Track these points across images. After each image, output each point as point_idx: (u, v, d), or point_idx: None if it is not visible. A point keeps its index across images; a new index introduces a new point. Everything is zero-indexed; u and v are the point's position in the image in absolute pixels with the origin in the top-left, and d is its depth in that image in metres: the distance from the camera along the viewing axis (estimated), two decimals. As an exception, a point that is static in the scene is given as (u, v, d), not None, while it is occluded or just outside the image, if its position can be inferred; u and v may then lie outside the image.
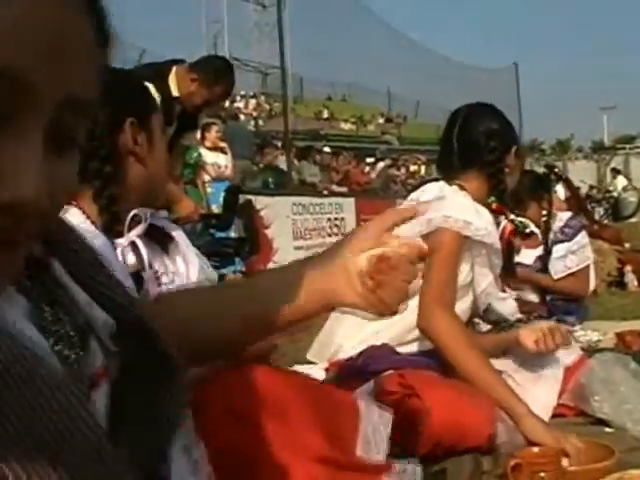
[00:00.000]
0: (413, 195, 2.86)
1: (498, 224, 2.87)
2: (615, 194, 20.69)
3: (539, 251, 4.70)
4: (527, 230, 4.53)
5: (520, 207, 4.56)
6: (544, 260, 4.66)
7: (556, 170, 5.46)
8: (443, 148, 2.96)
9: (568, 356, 3.10)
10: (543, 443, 2.24)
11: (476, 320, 4.02)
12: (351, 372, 2.52)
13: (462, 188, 2.77)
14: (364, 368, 2.51)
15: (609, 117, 46.58)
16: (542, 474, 1.96)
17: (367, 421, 1.61)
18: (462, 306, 2.73)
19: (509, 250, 2.94)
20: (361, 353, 2.58)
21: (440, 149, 3.02)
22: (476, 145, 2.83)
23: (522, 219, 4.54)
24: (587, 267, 4.76)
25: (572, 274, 4.66)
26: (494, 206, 2.85)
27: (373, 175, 19.65)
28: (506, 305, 4.18)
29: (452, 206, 2.65)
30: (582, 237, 4.76)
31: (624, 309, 6.40)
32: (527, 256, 4.67)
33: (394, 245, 1.26)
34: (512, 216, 3.05)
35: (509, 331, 3.46)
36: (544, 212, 4.75)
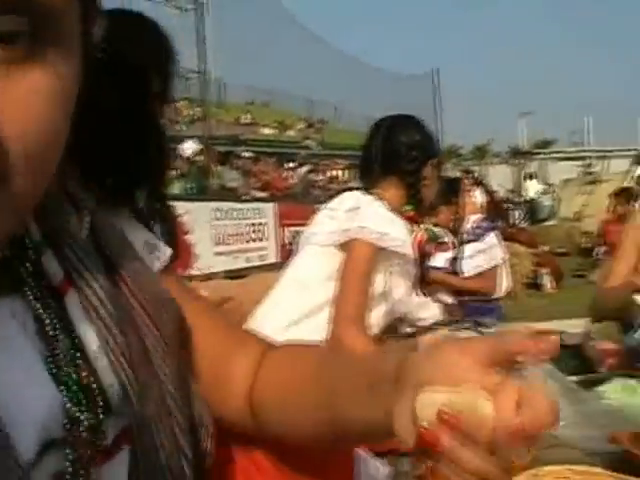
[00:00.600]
0: (330, 204, 2.85)
1: (413, 232, 2.91)
2: (527, 197, 21.18)
3: (450, 254, 4.78)
4: (440, 240, 4.61)
5: (431, 211, 4.65)
6: (455, 261, 4.73)
7: (473, 175, 5.55)
8: (365, 156, 2.99)
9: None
10: None
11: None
12: None
13: (380, 196, 2.79)
14: None
15: (526, 123, 47.53)
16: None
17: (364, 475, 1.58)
18: (377, 315, 2.75)
19: (422, 258, 2.98)
20: None
21: (362, 156, 3.05)
22: (397, 154, 2.87)
23: (436, 228, 4.62)
24: (496, 267, 4.84)
25: (481, 273, 4.74)
26: (410, 214, 2.88)
27: (294, 180, 19.69)
28: (428, 310, 4.25)
29: (368, 217, 2.67)
30: (492, 238, 4.83)
31: (540, 310, 6.57)
32: (439, 259, 4.75)
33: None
34: (427, 225, 3.10)
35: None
36: (454, 216, 4.82)
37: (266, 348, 1.09)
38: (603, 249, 10.74)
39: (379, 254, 2.66)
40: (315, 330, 2.61)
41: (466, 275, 4.70)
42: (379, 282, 2.72)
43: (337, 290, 2.59)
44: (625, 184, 15.76)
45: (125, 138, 1.26)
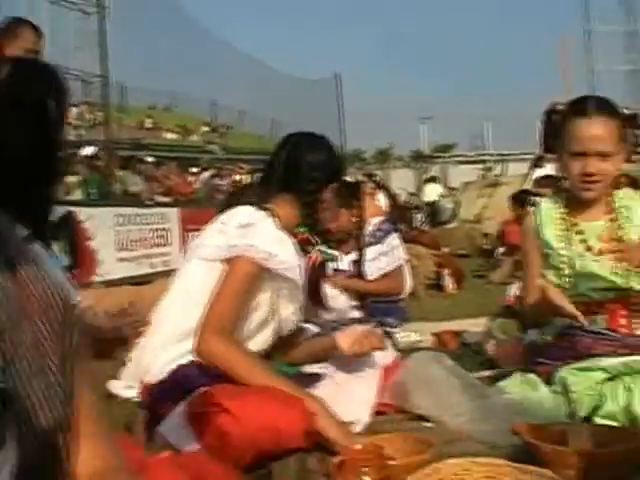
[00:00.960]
0: (222, 217, 2.78)
1: (307, 253, 2.91)
2: (428, 200, 21.54)
3: (353, 256, 4.77)
4: (334, 264, 4.63)
5: (332, 215, 4.68)
6: (359, 264, 4.77)
7: (375, 179, 5.60)
8: (267, 168, 2.96)
9: (385, 357, 3.24)
10: (336, 440, 2.34)
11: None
12: (163, 395, 2.48)
13: (274, 212, 2.75)
14: (175, 389, 2.47)
15: (427, 127, 48.28)
16: (365, 469, 2.03)
17: None
18: (265, 336, 2.75)
19: (315, 280, 2.97)
20: (171, 374, 2.53)
21: (264, 168, 3.02)
22: (299, 172, 2.84)
23: (331, 251, 4.66)
24: (400, 267, 4.92)
25: (385, 275, 4.81)
26: (303, 236, 2.87)
27: (197, 185, 19.57)
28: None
29: (258, 235, 2.63)
30: (393, 239, 4.89)
31: (442, 310, 6.69)
32: (343, 262, 4.79)
33: None
34: (321, 247, 3.10)
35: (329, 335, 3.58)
36: (355, 219, 4.85)
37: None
38: (502, 250, 11.00)
39: (264, 274, 2.63)
40: None
41: (371, 277, 4.76)
42: (265, 302, 2.69)
43: (209, 302, 2.56)
44: (524, 187, 16.18)
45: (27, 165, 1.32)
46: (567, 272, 3.07)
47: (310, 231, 2.89)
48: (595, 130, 3.02)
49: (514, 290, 4.96)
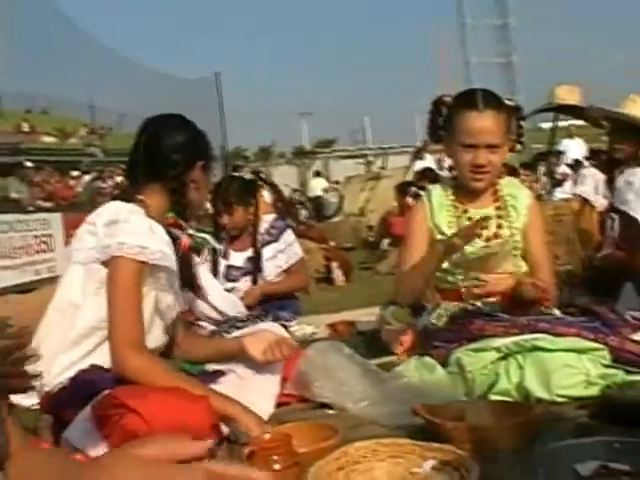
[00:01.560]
0: (89, 217, 2.68)
1: (177, 239, 2.83)
2: (313, 195, 21.67)
3: (249, 253, 4.83)
4: (207, 247, 4.65)
5: (228, 211, 4.71)
6: (255, 261, 4.81)
7: (261, 175, 5.65)
8: (131, 160, 2.83)
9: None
10: (249, 429, 2.41)
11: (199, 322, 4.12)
12: (66, 401, 2.46)
13: (144, 204, 2.68)
14: (78, 394, 2.44)
15: (308, 123, 48.52)
16: (275, 458, 2.07)
17: None
18: (155, 333, 2.72)
19: (187, 265, 2.93)
20: (71, 380, 2.51)
21: (129, 161, 2.87)
22: (160, 158, 2.75)
23: (203, 235, 4.67)
24: (299, 261, 4.99)
25: (285, 271, 4.87)
26: (171, 221, 2.80)
27: (79, 188, 19.19)
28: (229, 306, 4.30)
29: (126, 231, 2.56)
30: (288, 235, 4.97)
31: (333, 303, 6.78)
32: (237, 258, 4.82)
33: None
34: (191, 231, 3.05)
35: (231, 333, 3.60)
36: (251, 216, 4.88)
37: None
38: (387, 241, 11.20)
39: (144, 268, 2.59)
40: (97, 347, 2.57)
41: (272, 277, 4.80)
42: (151, 298, 2.66)
43: (109, 313, 2.52)
44: (407, 179, 16.49)
45: None
46: (456, 257, 3.21)
47: (179, 215, 2.82)
48: (484, 123, 3.16)
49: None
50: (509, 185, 3.42)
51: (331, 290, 8.10)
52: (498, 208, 3.34)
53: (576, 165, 12.27)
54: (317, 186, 22.47)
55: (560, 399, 2.63)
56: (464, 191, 3.34)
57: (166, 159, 2.74)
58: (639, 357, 2.85)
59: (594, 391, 2.63)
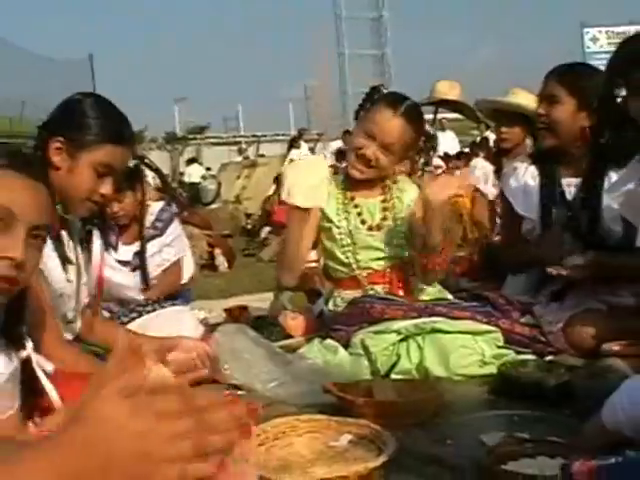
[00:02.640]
0: None
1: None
2: (189, 181, 21.47)
3: (136, 246, 4.60)
4: (116, 255, 4.46)
5: (118, 197, 4.50)
6: (141, 256, 4.67)
7: (146, 160, 5.53)
8: None
9: (194, 333, 3.38)
10: None
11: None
12: None
13: None
14: None
15: (181, 108, 47.94)
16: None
17: None
18: (64, 314, 2.74)
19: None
20: None
21: None
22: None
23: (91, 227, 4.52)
24: (180, 259, 4.86)
25: (167, 269, 4.72)
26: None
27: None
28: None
29: None
30: (175, 228, 4.77)
31: (218, 289, 6.85)
32: (125, 252, 4.58)
33: None
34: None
35: (130, 316, 3.66)
36: (139, 202, 4.66)
37: None
38: (268, 229, 11.35)
39: None
40: None
41: (156, 273, 4.64)
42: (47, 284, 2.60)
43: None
44: (283, 167, 16.65)
45: None
46: (345, 243, 3.39)
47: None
48: (392, 124, 3.30)
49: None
50: (401, 181, 3.59)
51: (216, 277, 8.14)
52: (384, 200, 3.50)
53: (446, 157, 12.71)
54: (193, 172, 22.25)
55: (457, 377, 2.82)
56: (353, 181, 3.48)
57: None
58: (527, 339, 3.07)
59: (489, 370, 2.82)
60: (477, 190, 5.84)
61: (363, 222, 3.41)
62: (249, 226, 13.86)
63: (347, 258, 3.43)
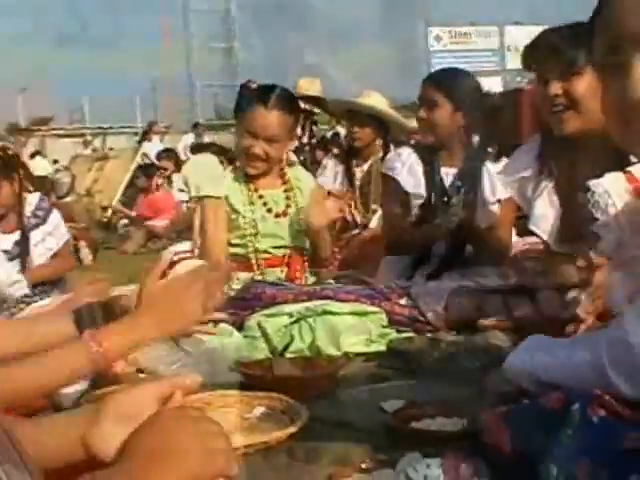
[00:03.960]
0: None
1: None
2: (39, 175, 20.96)
3: (17, 235, 4.72)
4: None
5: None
6: (23, 245, 4.71)
7: (9, 152, 5.49)
8: None
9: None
10: None
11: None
12: None
13: None
14: None
15: (24, 99, 46.43)
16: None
17: None
18: None
19: None
20: None
21: None
22: None
23: None
24: (66, 244, 4.98)
25: (55, 255, 4.81)
26: None
27: None
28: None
29: None
30: (54, 217, 4.91)
31: (87, 281, 6.83)
32: (5, 241, 4.68)
33: None
34: None
35: (18, 307, 3.72)
36: (16, 193, 4.68)
37: None
38: (126, 222, 11.34)
39: None
40: None
41: (41, 261, 4.69)
42: None
43: None
44: (136, 160, 16.57)
45: None
46: (249, 232, 3.60)
47: None
48: (267, 120, 3.58)
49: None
50: (297, 171, 3.89)
51: (82, 269, 8.11)
52: (286, 190, 3.77)
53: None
54: (38, 166, 21.67)
55: (348, 355, 3.04)
56: (253, 175, 3.73)
57: None
58: (407, 319, 3.33)
59: (375, 348, 3.06)
60: (330, 193, 6.10)
61: (269, 210, 3.69)
62: (105, 219, 13.76)
63: (248, 244, 3.66)
